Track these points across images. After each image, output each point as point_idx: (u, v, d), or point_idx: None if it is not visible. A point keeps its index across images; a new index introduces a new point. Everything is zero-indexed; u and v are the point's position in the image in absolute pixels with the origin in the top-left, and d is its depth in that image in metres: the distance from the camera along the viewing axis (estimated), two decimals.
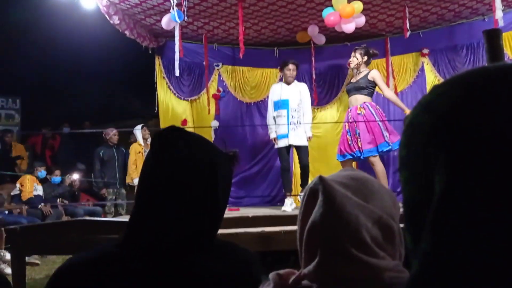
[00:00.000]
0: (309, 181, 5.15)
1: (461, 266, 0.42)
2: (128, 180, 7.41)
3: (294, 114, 5.24)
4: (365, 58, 5.10)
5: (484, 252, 0.41)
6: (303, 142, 5.25)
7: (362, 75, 5.06)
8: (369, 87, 5.01)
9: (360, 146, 4.82)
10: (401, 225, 0.90)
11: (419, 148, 0.49)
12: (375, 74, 5.03)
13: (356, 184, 0.89)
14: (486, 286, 0.41)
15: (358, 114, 4.91)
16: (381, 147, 4.80)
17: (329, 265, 0.84)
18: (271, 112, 5.40)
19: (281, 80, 5.60)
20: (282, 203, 6.28)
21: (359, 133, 4.84)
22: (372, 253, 0.83)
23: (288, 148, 5.31)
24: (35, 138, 9.61)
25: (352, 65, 5.14)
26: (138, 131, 7.61)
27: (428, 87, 6.32)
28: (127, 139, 8.52)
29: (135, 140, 7.91)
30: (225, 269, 0.99)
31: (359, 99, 4.98)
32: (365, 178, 0.92)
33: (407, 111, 4.73)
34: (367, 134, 4.81)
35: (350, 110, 5.06)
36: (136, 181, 6.99)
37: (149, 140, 7.55)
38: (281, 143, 5.26)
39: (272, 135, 5.37)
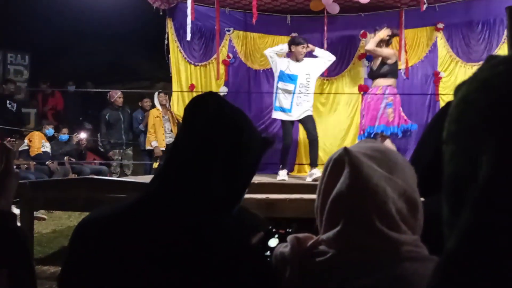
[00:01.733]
0: (318, 154, 5.28)
1: (499, 247, 0.42)
2: (147, 145, 7.45)
3: (301, 90, 5.23)
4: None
5: None
6: (308, 112, 5.26)
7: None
8: (393, 70, 5.40)
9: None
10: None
11: (471, 124, 0.48)
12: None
13: (380, 156, 0.90)
14: None
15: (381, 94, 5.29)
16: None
17: (350, 235, 0.86)
18: (275, 83, 5.38)
19: (288, 56, 5.48)
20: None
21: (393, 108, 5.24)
22: (396, 226, 0.85)
23: (292, 123, 5.31)
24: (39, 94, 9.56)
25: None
26: (155, 97, 7.63)
27: (440, 63, 6.25)
28: (133, 101, 8.51)
29: (148, 105, 7.92)
30: (238, 236, 1.00)
31: (386, 82, 5.36)
32: (387, 149, 0.94)
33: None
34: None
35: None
36: (154, 144, 7.06)
37: (167, 104, 7.51)
38: (279, 116, 5.28)
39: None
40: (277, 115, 5.33)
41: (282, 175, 5.18)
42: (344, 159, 0.88)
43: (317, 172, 5.10)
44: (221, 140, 0.99)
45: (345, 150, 0.89)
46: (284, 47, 5.40)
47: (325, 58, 5.37)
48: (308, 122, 5.27)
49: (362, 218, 0.84)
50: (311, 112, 5.33)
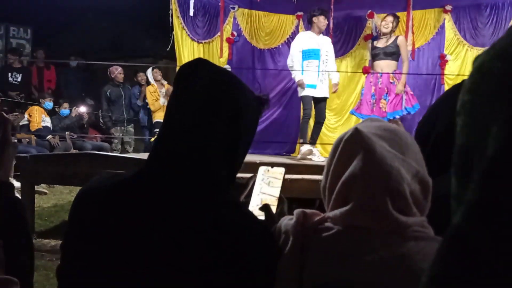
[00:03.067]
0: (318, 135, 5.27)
1: (506, 223, 0.41)
2: (154, 118, 7.53)
3: (322, 66, 5.22)
4: (395, 23, 5.37)
5: None
6: (327, 95, 5.30)
7: (390, 40, 5.27)
8: (398, 53, 5.24)
9: (384, 110, 5.16)
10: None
11: (484, 94, 0.46)
12: (402, 41, 5.27)
13: (391, 136, 0.89)
14: None
15: (391, 83, 5.19)
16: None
17: (359, 216, 0.85)
18: (297, 58, 5.23)
19: (307, 29, 5.47)
20: (285, 152, 6.32)
21: (388, 100, 5.18)
22: (408, 209, 0.84)
23: (313, 98, 5.22)
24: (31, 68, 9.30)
25: (385, 31, 5.32)
26: (149, 73, 7.70)
27: (447, 45, 6.18)
28: (133, 77, 8.46)
29: (143, 79, 7.97)
30: (241, 207, 0.99)
31: (391, 65, 5.22)
32: (397, 129, 0.92)
33: (402, 87, 5.16)
34: (398, 100, 5.18)
35: (381, 76, 5.20)
36: (162, 115, 7.09)
37: (162, 80, 7.57)
38: (308, 92, 5.17)
39: (299, 77, 5.17)
40: (304, 91, 5.21)
41: (310, 154, 5.13)
42: (355, 140, 0.87)
43: (316, 152, 5.20)
44: (218, 107, 0.96)
45: (357, 130, 0.87)
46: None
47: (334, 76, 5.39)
48: (322, 104, 5.27)
49: (375, 201, 0.83)
50: (328, 95, 5.32)
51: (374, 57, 5.38)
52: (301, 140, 5.29)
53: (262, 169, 1.23)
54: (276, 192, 1.19)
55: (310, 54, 5.20)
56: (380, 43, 5.33)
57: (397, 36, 5.33)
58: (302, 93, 5.21)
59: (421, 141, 1.34)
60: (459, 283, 0.42)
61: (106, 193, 0.95)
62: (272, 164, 1.25)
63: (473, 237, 0.42)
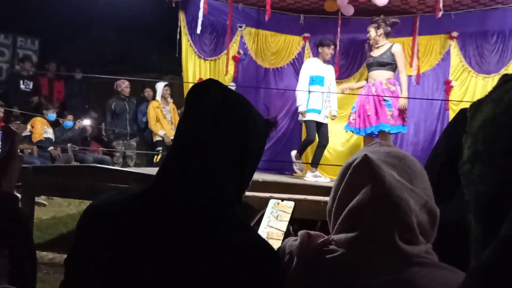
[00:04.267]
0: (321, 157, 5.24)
1: None
2: (155, 137, 7.45)
3: (325, 94, 5.29)
4: (380, 31, 4.94)
5: None
6: (327, 120, 5.38)
7: (384, 48, 4.91)
8: (394, 63, 4.85)
9: (392, 117, 4.74)
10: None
11: (504, 147, 0.50)
12: (397, 50, 4.85)
13: (400, 164, 0.89)
14: None
15: (385, 88, 4.79)
16: (398, 128, 4.79)
17: (364, 243, 0.85)
18: (304, 84, 5.30)
19: (315, 55, 5.55)
20: (286, 171, 6.30)
21: (392, 107, 4.73)
22: (414, 239, 0.84)
23: (317, 122, 5.30)
24: (42, 79, 9.38)
25: (370, 41, 5.06)
26: (160, 87, 7.59)
27: (452, 71, 6.20)
28: (140, 91, 8.49)
29: (150, 95, 7.95)
30: (248, 227, 0.98)
31: (384, 74, 4.86)
32: (406, 156, 0.92)
33: (404, 96, 4.73)
34: (395, 110, 4.75)
35: (373, 84, 4.91)
36: (161, 133, 7.07)
37: (168, 99, 7.56)
38: (312, 117, 5.25)
39: (302, 108, 5.25)
40: (309, 116, 5.28)
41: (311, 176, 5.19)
42: (365, 168, 0.87)
43: (318, 174, 5.22)
44: (227, 126, 0.98)
45: (366, 157, 0.87)
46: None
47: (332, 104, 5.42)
48: (325, 128, 5.36)
49: (381, 230, 0.84)
50: (327, 120, 5.41)
51: (369, 67, 5.04)
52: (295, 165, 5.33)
53: (272, 202, 1.25)
54: (284, 226, 1.20)
55: (316, 80, 5.30)
56: (374, 52, 5.01)
57: (393, 44, 4.91)
58: (306, 117, 5.28)
59: (430, 169, 1.35)
60: None
61: (114, 209, 0.95)
62: (282, 198, 1.26)
63: (506, 272, 0.43)
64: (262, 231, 1.21)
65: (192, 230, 0.89)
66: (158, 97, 7.55)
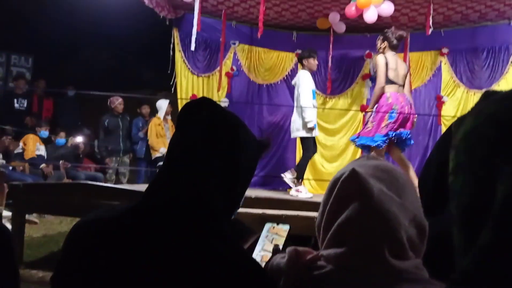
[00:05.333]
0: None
1: None
2: (154, 153, 7.44)
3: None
4: (385, 43, 4.96)
5: None
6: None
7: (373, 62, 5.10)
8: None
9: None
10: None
11: (483, 157, 0.51)
12: (377, 59, 4.92)
13: (388, 177, 0.88)
14: None
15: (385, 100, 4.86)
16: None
17: (353, 259, 0.84)
18: (309, 98, 5.25)
19: (304, 67, 5.48)
20: (281, 186, 6.27)
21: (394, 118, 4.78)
22: (403, 253, 0.83)
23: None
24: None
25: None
26: (164, 105, 7.65)
27: (443, 87, 6.25)
28: (134, 108, 8.48)
29: (147, 112, 8.02)
30: (237, 245, 0.98)
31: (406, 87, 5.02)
32: (394, 169, 0.92)
33: (370, 109, 4.83)
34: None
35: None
36: (163, 150, 7.08)
37: (167, 116, 7.61)
38: (316, 132, 5.31)
39: (312, 124, 5.15)
40: (315, 132, 5.32)
41: (304, 192, 5.10)
42: (352, 182, 0.86)
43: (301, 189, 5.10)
44: (217, 144, 0.98)
45: (354, 172, 0.87)
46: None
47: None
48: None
49: (370, 246, 0.83)
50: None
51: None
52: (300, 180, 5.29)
53: (267, 226, 1.25)
54: None
55: (314, 94, 5.35)
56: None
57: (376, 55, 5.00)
58: (314, 134, 5.27)
59: (423, 182, 1.36)
60: None
61: (103, 226, 0.95)
62: (278, 221, 1.26)
63: (486, 278, 0.44)
64: (257, 255, 1.21)
65: (179, 247, 0.89)
66: (161, 114, 7.58)
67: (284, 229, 1.25)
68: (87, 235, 0.95)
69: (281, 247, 1.20)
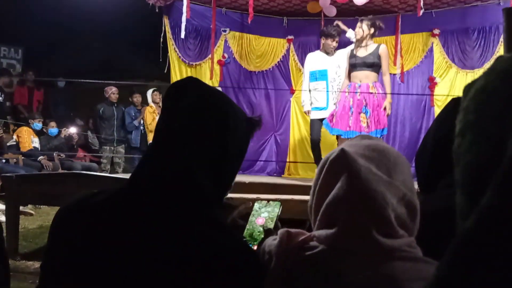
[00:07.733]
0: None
1: None
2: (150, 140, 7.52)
3: (333, 85, 5.02)
4: (372, 30, 4.65)
5: None
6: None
7: (371, 49, 4.64)
8: (379, 64, 4.61)
9: (368, 125, 4.49)
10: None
11: (494, 112, 0.49)
12: (384, 51, 4.64)
13: (379, 156, 0.87)
14: None
15: (371, 93, 4.52)
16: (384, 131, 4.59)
17: (344, 239, 0.84)
18: (305, 82, 5.16)
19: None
20: (276, 173, 6.31)
21: (369, 114, 4.48)
22: (393, 232, 0.83)
23: (321, 120, 4.94)
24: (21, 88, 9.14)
25: (357, 37, 4.68)
26: (149, 94, 7.86)
27: (435, 68, 6.26)
28: (126, 98, 8.47)
29: (138, 100, 8.10)
30: (228, 228, 0.97)
31: (370, 76, 4.59)
32: (385, 148, 0.91)
33: (389, 101, 4.54)
34: (379, 115, 4.51)
35: (359, 86, 4.60)
36: None
37: (160, 103, 7.65)
38: (316, 115, 5.04)
39: (306, 108, 5.08)
40: (313, 115, 5.10)
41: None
42: (340, 162, 0.86)
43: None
44: (206, 124, 0.95)
45: (342, 151, 0.86)
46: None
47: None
48: None
49: (358, 225, 0.83)
50: None
51: (353, 66, 4.66)
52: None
53: (258, 203, 1.24)
54: (270, 226, 1.19)
55: (316, 76, 5.09)
56: (360, 52, 4.64)
57: (379, 45, 4.66)
58: (311, 116, 5.12)
59: (420, 158, 1.36)
60: (470, 284, 0.42)
61: (89, 210, 0.92)
62: (268, 199, 1.25)
63: (487, 241, 0.42)
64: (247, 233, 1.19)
65: (167, 231, 0.87)
66: (151, 103, 7.76)
67: (274, 204, 1.24)
68: (72, 220, 0.93)
69: (272, 225, 1.20)
